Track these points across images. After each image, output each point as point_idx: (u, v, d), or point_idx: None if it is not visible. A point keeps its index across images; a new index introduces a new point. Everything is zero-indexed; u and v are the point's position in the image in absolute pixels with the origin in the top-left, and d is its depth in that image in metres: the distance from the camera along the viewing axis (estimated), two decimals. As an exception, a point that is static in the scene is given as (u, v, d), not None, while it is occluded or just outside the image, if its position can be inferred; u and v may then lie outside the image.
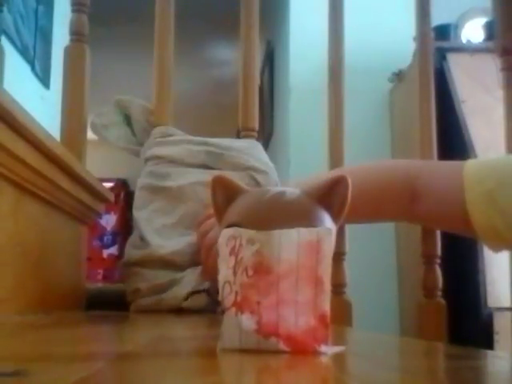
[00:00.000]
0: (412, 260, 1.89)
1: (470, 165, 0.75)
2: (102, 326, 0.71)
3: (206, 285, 0.92)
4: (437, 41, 2.03)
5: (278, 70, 3.24)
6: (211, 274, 0.84)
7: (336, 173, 0.84)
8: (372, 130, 2.56)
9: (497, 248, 0.75)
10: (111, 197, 1.15)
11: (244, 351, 0.28)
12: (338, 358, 0.27)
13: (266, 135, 3.35)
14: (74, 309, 0.98)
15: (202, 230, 0.86)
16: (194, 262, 0.96)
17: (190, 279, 0.94)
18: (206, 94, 5.03)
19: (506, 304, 1.58)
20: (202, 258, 0.88)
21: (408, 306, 2.20)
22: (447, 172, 0.79)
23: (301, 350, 0.28)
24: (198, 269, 0.94)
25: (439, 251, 1.07)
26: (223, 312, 0.31)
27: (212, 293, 0.91)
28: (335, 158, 1.12)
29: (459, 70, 2.15)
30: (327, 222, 0.31)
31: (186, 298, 0.93)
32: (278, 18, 3.08)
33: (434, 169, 0.84)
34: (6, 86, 1.05)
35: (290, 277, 0.29)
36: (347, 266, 1.08)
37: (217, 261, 0.94)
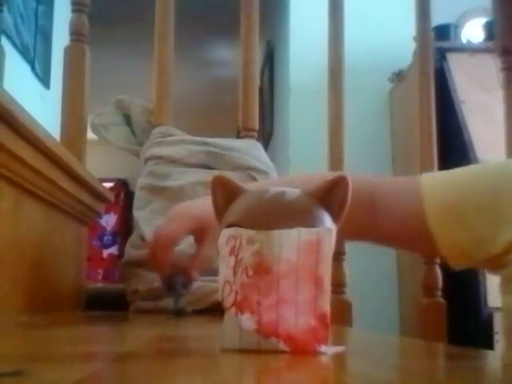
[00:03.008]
0: (412, 260, 1.89)
1: (427, 179, 0.69)
2: (102, 325, 0.71)
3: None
4: (437, 41, 2.03)
5: (278, 70, 3.24)
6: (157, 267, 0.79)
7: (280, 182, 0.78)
8: (372, 130, 2.56)
9: (460, 265, 0.68)
10: (111, 197, 1.15)
11: (244, 351, 0.28)
12: (338, 358, 0.27)
13: (266, 135, 3.35)
14: (73, 309, 0.98)
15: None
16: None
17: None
18: (206, 93, 5.03)
19: (506, 304, 1.58)
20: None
21: (408, 306, 2.20)
22: (403, 186, 0.71)
23: (301, 350, 0.28)
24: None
25: (439, 251, 1.07)
26: (177, 312, 0.30)
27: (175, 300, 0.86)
28: (335, 157, 1.12)
29: (459, 69, 2.15)
30: (327, 222, 0.31)
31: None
32: (278, 18, 3.09)
33: (389, 183, 0.75)
34: (6, 86, 1.05)
35: (290, 277, 0.29)
36: (347, 266, 1.08)
37: (165, 255, 0.73)
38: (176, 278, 0.81)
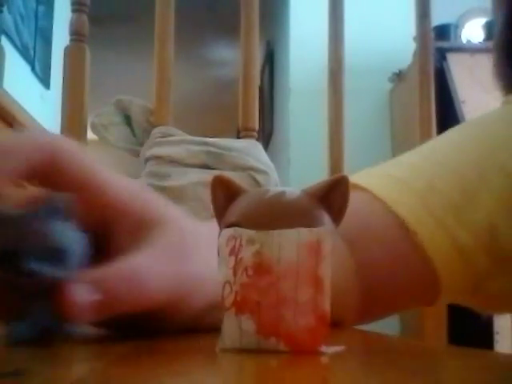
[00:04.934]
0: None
1: (375, 183, 0.48)
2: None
3: None
4: (437, 41, 2.03)
5: (278, 70, 3.24)
6: None
7: None
8: (372, 130, 2.56)
9: (454, 281, 0.47)
10: (111, 197, 1.15)
11: (244, 351, 0.28)
12: (338, 358, 0.27)
13: (266, 135, 3.35)
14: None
15: None
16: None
17: None
18: (206, 93, 5.03)
19: (506, 304, 1.58)
20: None
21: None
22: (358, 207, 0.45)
23: (301, 349, 0.28)
24: None
25: (439, 251, 1.07)
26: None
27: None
28: (335, 158, 1.12)
29: (459, 69, 2.15)
30: (327, 222, 0.31)
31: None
32: (278, 18, 3.08)
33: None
34: (6, 86, 1.05)
35: (290, 277, 0.29)
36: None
37: None
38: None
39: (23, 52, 2.47)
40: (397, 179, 0.48)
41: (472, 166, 0.47)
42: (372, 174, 0.51)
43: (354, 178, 0.49)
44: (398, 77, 2.46)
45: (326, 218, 0.31)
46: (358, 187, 0.48)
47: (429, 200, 0.46)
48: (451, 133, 0.54)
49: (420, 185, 0.47)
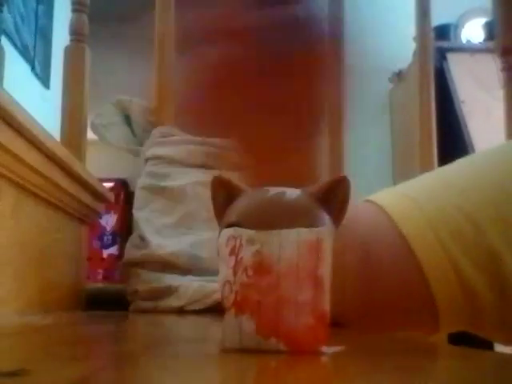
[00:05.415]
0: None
1: (382, 199, 0.50)
2: (102, 325, 0.71)
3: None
4: (437, 41, 2.03)
5: (278, 70, 3.24)
6: None
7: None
8: (372, 130, 2.56)
9: (453, 307, 0.47)
10: (111, 197, 1.15)
11: (244, 351, 0.28)
12: (338, 358, 0.27)
13: (266, 135, 3.35)
14: (73, 309, 0.98)
15: None
16: (193, 263, 0.96)
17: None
18: (205, 93, 5.03)
19: (506, 304, 1.57)
20: None
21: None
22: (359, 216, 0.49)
23: (301, 350, 0.28)
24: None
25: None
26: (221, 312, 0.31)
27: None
28: (335, 158, 1.12)
29: (459, 69, 2.15)
30: (327, 222, 0.31)
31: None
32: (278, 17, 3.08)
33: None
34: (6, 86, 1.05)
35: (290, 277, 0.29)
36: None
37: None
38: None
39: (23, 52, 2.47)
40: (408, 197, 0.49)
41: (484, 194, 0.47)
42: (386, 191, 0.52)
43: (369, 196, 0.51)
44: (398, 77, 2.46)
45: (326, 218, 0.31)
46: (368, 201, 0.50)
47: (435, 221, 0.46)
48: (471, 159, 0.55)
49: (429, 205, 0.47)
